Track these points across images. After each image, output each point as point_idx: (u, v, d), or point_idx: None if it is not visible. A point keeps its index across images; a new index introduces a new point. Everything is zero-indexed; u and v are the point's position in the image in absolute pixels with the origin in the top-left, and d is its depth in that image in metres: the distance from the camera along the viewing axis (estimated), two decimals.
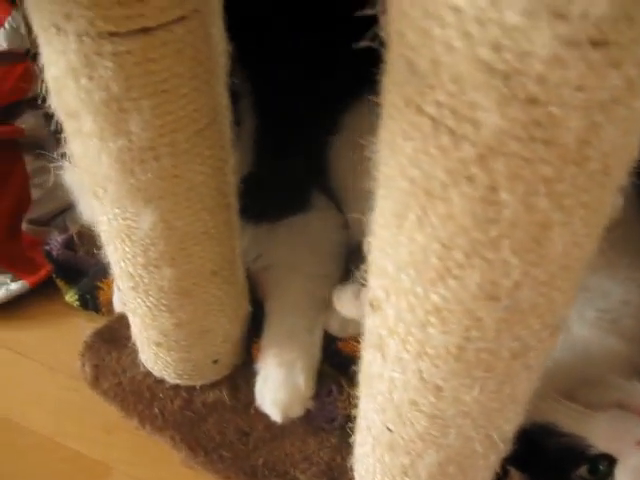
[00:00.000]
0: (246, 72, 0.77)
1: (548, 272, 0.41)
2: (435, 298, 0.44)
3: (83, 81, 0.54)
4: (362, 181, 0.84)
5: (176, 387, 0.82)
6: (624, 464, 0.61)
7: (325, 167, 0.87)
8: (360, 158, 0.83)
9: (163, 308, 0.72)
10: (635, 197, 0.73)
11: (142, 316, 0.75)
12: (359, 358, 0.81)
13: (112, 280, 0.94)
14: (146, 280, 0.69)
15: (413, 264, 0.43)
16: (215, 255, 0.70)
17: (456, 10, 0.31)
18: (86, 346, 0.86)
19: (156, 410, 0.80)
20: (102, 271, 0.95)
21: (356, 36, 0.74)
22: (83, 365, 0.85)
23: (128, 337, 0.84)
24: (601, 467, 0.62)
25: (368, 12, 0.37)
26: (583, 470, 0.62)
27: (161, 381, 0.83)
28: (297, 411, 0.76)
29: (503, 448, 0.58)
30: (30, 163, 1.08)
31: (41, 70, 0.59)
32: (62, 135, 0.65)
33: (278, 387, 0.76)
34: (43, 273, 1.02)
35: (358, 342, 0.82)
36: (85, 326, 0.91)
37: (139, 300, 0.73)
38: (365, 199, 0.85)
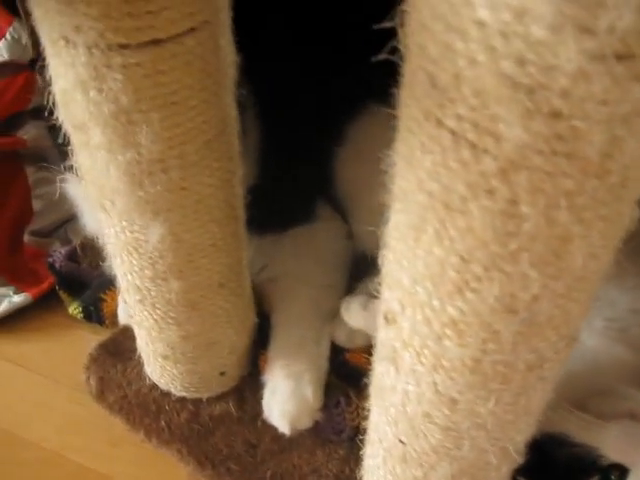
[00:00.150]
0: (251, 83, 0.77)
1: (566, 284, 0.41)
2: (452, 311, 0.43)
3: (92, 93, 0.54)
4: (367, 192, 0.84)
5: (182, 400, 0.82)
6: (636, 474, 0.60)
7: (330, 178, 0.87)
8: (365, 169, 0.83)
9: (170, 321, 0.71)
10: None
11: (148, 329, 0.74)
12: (366, 369, 0.81)
13: (116, 292, 0.94)
14: (153, 293, 0.69)
15: (430, 277, 0.43)
16: (223, 267, 0.69)
17: (480, 24, 0.31)
18: (91, 359, 0.85)
19: (162, 423, 0.80)
20: (106, 283, 0.95)
21: (363, 49, 0.74)
22: (88, 378, 0.84)
23: (133, 349, 0.84)
24: (613, 477, 0.62)
25: (386, 25, 0.37)
26: None
27: (167, 394, 0.82)
28: (305, 423, 0.76)
29: (516, 459, 0.57)
30: (32, 174, 1.08)
31: (46, 82, 0.59)
32: (67, 147, 0.64)
33: (286, 399, 0.75)
34: (45, 285, 1.02)
35: (365, 353, 0.83)
36: (89, 338, 0.91)
37: (146, 313, 0.72)
38: (371, 210, 0.85)
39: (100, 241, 0.88)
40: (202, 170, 0.60)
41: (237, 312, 0.77)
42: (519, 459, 0.58)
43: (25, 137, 1.06)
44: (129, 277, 0.69)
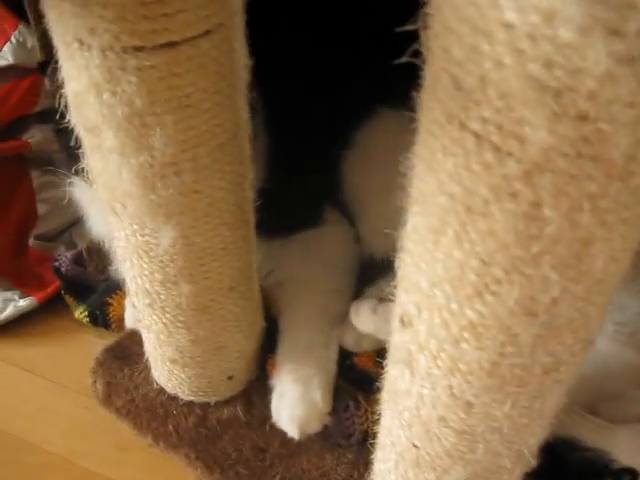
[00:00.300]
0: (259, 87, 0.77)
1: (586, 287, 0.41)
2: (470, 314, 0.43)
3: (105, 96, 0.53)
4: (376, 196, 0.84)
5: (190, 404, 0.81)
6: None
7: (338, 182, 0.87)
8: (374, 173, 0.84)
9: (179, 325, 0.71)
10: None
11: (157, 333, 0.74)
12: (374, 373, 0.81)
13: (122, 296, 0.93)
14: (163, 297, 0.69)
15: (449, 280, 0.43)
16: (233, 271, 0.69)
17: (508, 26, 0.31)
18: (97, 363, 0.85)
19: (170, 427, 0.79)
20: (112, 287, 0.94)
21: (373, 53, 0.74)
22: (95, 382, 0.84)
23: (139, 354, 0.84)
24: None
25: (405, 28, 0.37)
26: None
27: (174, 398, 0.82)
28: (314, 427, 0.76)
29: (529, 462, 0.57)
30: (36, 178, 1.08)
31: (56, 85, 0.59)
32: (76, 150, 0.64)
33: (295, 403, 0.75)
34: (51, 289, 1.01)
35: (373, 357, 0.83)
36: (94, 343, 0.91)
37: (155, 317, 0.72)
38: (379, 214, 0.85)
39: (106, 245, 0.88)
40: (214, 173, 0.60)
41: (246, 316, 0.76)
42: (532, 462, 0.57)
43: (30, 141, 1.06)
44: (139, 281, 0.69)
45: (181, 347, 0.74)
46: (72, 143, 0.62)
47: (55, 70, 0.58)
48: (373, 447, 0.67)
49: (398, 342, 0.53)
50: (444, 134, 0.38)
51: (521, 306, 0.41)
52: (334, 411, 0.77)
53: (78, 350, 0.94)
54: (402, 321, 0.50)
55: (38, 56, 1.01)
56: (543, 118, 0.32)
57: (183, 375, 0.78)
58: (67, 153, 0.82)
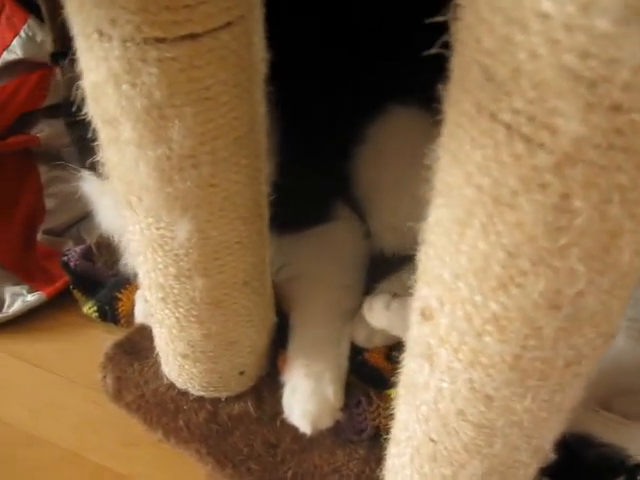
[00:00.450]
0: (273, 80, 0.77)
1: (611, 280, 0.41)
2: (494, 306, 0.43)
3: (124, 88, 0.53)
4: (387, 191, 0.85)
5: (200, 399, 0.81)
6: None
7: (349, 177, 0.87)
8: (385, 169, 0.84)
9: (193, 319, 0.71)
10: None
11: (170, 327, 0.74)
12: (385, 369, 0.81)
13: (131, 291, 0.93)
14: (176, 291, 0.69)
15: (473, 272, 0.43)
16: (247, 265, 0.69)
17: (543, 16, 0.31)
18: (107, 358, 0.85)
19: (181, 422, 0.79)
20: (121, 282, 0.94)
21: (386, 48, 0.74)
22: (104, 377, 0.84)
23: (149, 348, 0.84)
24: (639, 477, 0.62)
25: (439, 19, 0.37)
26: None
27: (185, 393, 0.82)
28: (326, 422, 0.75)
29: (546, 457, 0.57)
30: (45, 173, 1.08)
31: (73, 77, 0.59)
32: (88, 144, 0.64)
33: (307, 398, 0.75)
34: (59, 284, 1.01)
35: (384, 354, 0.83)
36: (103, 338, 0.90)
37: (167, 311, 0.72)
38: (390, 209, 0.85)
39: (116, 240, 0.88)
40: (231, 166, 0.60)
41: (258, 311, 0.76)
42: (549, 456, 0.57)
43: (39, 135, 1.06)
44: (152, 275, 0.69)
45: (193, 342, 0.74)
46: (87, 135, 0.62)
47: (72, 62, 0.58)
48: (385, 443, 0.67)
49: (417, 336, 0.53)
50: (473, 126, 0.38)
51: (546, 298, 0.41)
52: (346, 407, 0.77)
53: (87, 345, 0.94)
54: (423, 314, 0.50)
55: (47, 50, 1.01)
56: (576, 108, 0.32)
57: (194, 370, 0.78)
58: (78, 147, 0.82)
